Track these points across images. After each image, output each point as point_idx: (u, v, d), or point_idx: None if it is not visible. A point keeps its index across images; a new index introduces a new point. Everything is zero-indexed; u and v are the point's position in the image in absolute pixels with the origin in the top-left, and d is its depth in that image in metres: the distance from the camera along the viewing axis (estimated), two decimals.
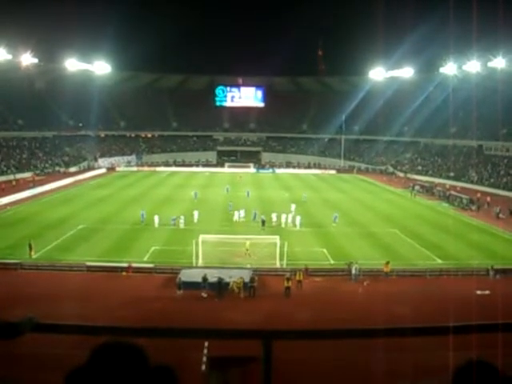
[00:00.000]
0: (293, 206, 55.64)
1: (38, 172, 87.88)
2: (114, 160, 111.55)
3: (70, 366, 2.01)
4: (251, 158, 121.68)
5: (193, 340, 2.39)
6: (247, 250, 37.17)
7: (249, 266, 34.53)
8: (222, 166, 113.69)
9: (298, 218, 48.41)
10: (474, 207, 60.35)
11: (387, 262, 34.17)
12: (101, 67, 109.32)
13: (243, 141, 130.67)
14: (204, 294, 29.46)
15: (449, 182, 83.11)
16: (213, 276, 30.34)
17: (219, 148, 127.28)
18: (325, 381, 16.01)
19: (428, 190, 75.54)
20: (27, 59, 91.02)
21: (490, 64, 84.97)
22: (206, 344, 17.26)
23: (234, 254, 37.10)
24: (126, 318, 22.95)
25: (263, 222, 47.41)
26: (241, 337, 2.20)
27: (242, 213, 50.87)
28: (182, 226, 46.99)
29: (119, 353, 1.89)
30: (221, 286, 29.69)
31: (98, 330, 2.35)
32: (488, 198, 63.15)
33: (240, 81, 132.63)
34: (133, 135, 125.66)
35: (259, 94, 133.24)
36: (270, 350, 2.10)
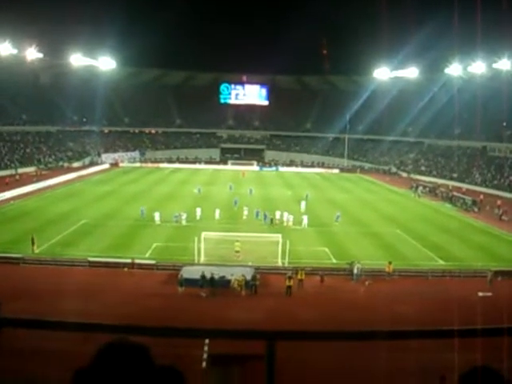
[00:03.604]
0: (303, 204, 56.05)
1: (41, 167, 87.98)
2: (117, 156, 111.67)
3: (74, 362, 2.02)
4: (254, 155, 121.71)
5: (194, 339, 2.40)
6: (237, 251, 36.44)
7: (250, 263, 34.54)
8: (226, 163, 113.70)
9: (305, 218, 48.25)
10: (476, 208, 60.18)
11: (390, 262, 34.13)
12: (106, 63, 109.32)
13: (247, 138, 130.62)
14: (203, 294, 29.32)
15: (452, 183, 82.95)
16: (209, 273, 30.29)
17: (223, 145, 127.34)
18: (327, 381, 16.02)
19: (431, 191, 75.40)
20: (32, 54, 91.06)
21: (494, 65, 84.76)
22: (207, 341, 17.31)
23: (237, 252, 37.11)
24: (128, 315, 22.98)
25: (271, 221, 47.61)
26: (245, 337, 2.20)
27: (246, 210, 50.85)
28: (184, 222, 47.03)
29: (125, 352, 1.90)
30: (214, 283, 29.67)
31: (100, 328, 2.35)
32: (499, 202, 61.60)
33: (244, 78, 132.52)
34: (136, 131, 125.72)
35: (263, 91, 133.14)
36: (273, 351, 2.11)
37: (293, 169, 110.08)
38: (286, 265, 34.97)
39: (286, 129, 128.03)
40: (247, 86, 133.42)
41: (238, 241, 36.97)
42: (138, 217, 48.84)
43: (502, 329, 2.32)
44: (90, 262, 34.17)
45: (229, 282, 30.24)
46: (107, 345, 1.92)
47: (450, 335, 2.33)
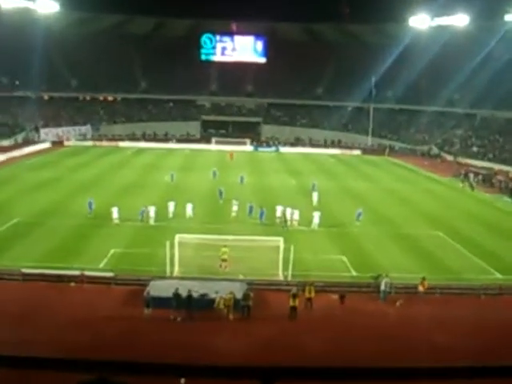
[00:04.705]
0: (315, 196, 56.56)
1: None
2: (61, 131, 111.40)
3: None
4: (247, 131, 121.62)
5: (168, 378, 2.39)
6: (224, 260, 36.41)
7: (241, 277, 34.51)
8: (208, 141, 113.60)
9: (316, 215, 48.15)
10: None
11: (423, 278, 33.86)
12: (45, 5, 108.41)
13: (237, 108, 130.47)
14: (176, 318, 29.15)
15: None
16: (186, 290, 30.08)
17: (204, 117, 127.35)
18: None
19: (485, 180, 75.53)
20: None
21: None
22: (183, 382, 17.35)
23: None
24: (77, 345, 22.95)
25: (285, 222, 47.51)
26: (233, 376, 2.20)
27: (235, 205, 50.70)
28: (151, 221, 47.01)
29: None
30: (191, 303, 29.51)
31: (40, 363, 2.32)
32: None
33: (234, 27, 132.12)
34: (88, 98, 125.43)
35: (259, 45, 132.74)
36: None
37: (299, 149, 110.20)
38: (290, 278, 34.99)
39: (289, 96, 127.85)
40: (237, 38, 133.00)
41: (225, 246, 36.84)
42: (88, 213, 48.85)
43: None
44: (24, 274, 34.07)
45: (212, 301, 30.17)
46: None
47: (507, 373, 2.35)
